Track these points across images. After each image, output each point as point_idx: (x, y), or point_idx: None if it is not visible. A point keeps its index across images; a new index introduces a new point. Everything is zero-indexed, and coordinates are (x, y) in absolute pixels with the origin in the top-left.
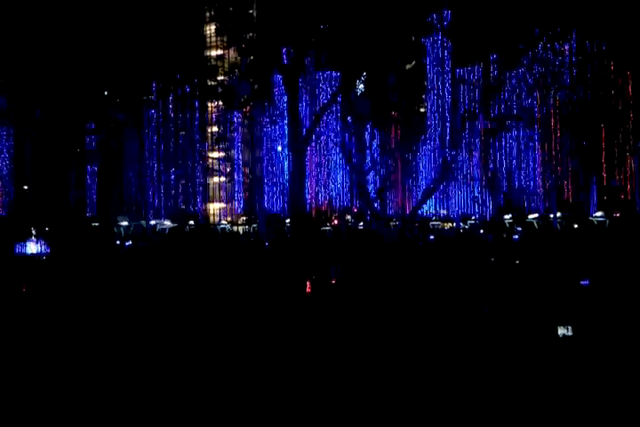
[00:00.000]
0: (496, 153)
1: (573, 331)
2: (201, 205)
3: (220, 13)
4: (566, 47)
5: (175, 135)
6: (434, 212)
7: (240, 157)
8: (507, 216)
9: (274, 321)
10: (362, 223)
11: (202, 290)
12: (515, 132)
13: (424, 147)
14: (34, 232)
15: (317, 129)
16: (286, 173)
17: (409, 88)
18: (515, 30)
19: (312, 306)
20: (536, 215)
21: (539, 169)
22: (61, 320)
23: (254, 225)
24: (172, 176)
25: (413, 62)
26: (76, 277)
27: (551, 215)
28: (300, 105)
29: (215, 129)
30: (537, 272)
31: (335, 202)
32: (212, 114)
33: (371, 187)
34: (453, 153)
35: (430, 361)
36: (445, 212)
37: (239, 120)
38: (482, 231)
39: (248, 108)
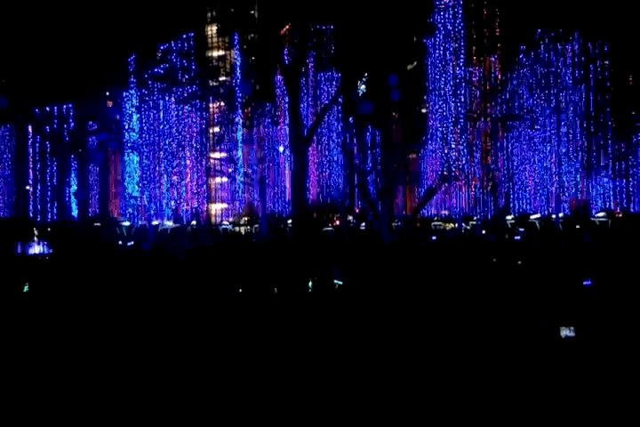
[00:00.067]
0: (498, 153)
1: (576, 332)
2: (203, 206)
3: (221, 14)
4: (568, 48)
5: (177, 135)
6: (435, 212)
7: (241, 157)
8: (509, 217)
9: (275, 321)
10: (364, 224)
11: (203, 290)
12: (516, 133)
13: (425, 147)
14: (36, 233)
15: (319, 129)
16: (288, 173)
17: (410, 88)
18: (516, 30)
19: (314, 306)
20: (538, 216)
21: (541, 169)
22: (62, 320)
23: (256, 225)
24: (174, 177)
25: (415, 63)
26: (78, 278)
27: (553, 216)
28: (302, 105)
29: (217, 129)
30: (539, 273)
31: (337, 202)
32: (213, 114)
33: (372, 187)
34: (455, 153)
35: (432, 361)
36: (447, 212)
37: (241, 121)
38: (484, 232)
39: (249, 108)
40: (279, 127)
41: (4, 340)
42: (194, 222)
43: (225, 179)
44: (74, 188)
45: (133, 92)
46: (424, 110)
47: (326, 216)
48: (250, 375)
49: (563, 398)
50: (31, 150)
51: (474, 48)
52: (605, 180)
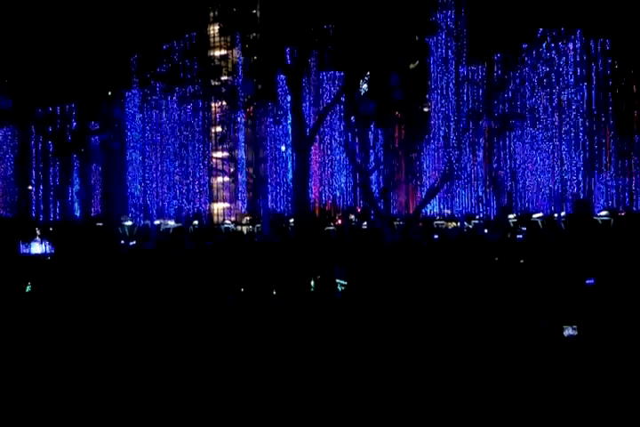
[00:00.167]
0: (500, 152)
1: (579, 330)
2: (205, 205)
3: (223, 14)
4: (570, 46)
5: (179, 135)
6: (438, 211)
7: (244, 156)
8: (511, 216)
9: (277, 321)
10: (366, 223)
11: (205, 289)
12: (519, 131)
13: (428, 146)
14: (38, 232)
15: (321, 129)
16: (290, 172)
17: (412, 88)
18: (518, 29)
19: (317, 306)
20: (540, 215)
21: (543, 168)
22: (63, 320)
23: (258, 225)
24: (176, 176)
25: (417, 62)
26: (80, 277)
27: (555, 215)
28: (304, 105)
29: (219, 129)
30: (542, 272)
31: (339, 202)
32: (215, 114)
33: (374, 187)
34: (457, 152)
35: (435, 360)
36: (449, 211)
37: (243, 120)
38: (486, 231)
39: (252, 108)
40: (281, 127)
41: (6, 339)
42: (196, 222)
43: (227, 178)
44: (76, 187)
45: (136, 91)
46: (426, 109)
47: (328, 215)
48: (251, 375)
49: (564, 397)
50: (34, 150)
51: (475, 47)
52: (608, 178)
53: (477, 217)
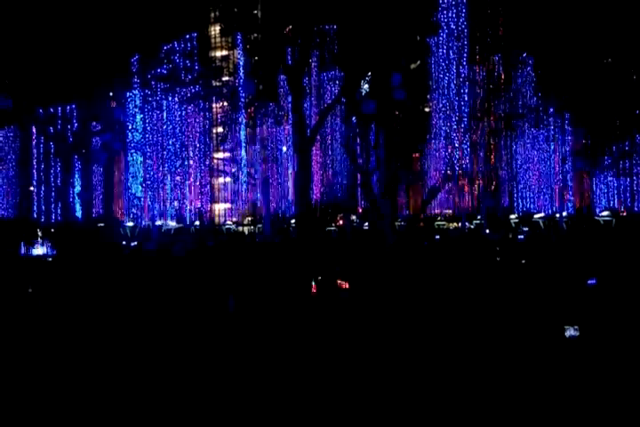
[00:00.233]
0: (501, 152)
1: (581, 331)
2: (206, 206)
3: (224, 14)
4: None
5: (180, 135)
6: (439, 211)
7: (245, 157)
8: (512, 216)
9: (278, 322)
10: (367, 223)
11: (206, 290)
12: (520, 131)
13: (429, 146)
14: (39, 233)
15: (322, 129)
16: (291, 173)
17: (414, 87)
18: (520, 28)
19: (318, 306)
20: (542, 215)
21: (545, 168)
22: (65, 322)
23: (259, 225)
24: (178, 177)
25: (418, 62)
26: (82, 278)
27: (557, 215)
28: (305, 105)
29: (220, 129)
30: (543, 272)
31: (340, 202)
32: (216, 114)
33: (375, 187)
34: (459, 152)
35: (437, 361)
36: (450, 211)
37: (244, 121)
38: (487, 231)
39: (253, 108)
40: (282, 127)
41: (8, 341)
42: (197, 222)
43: (228, 179)
44: (77, 188)
45: (137, 92)
46: (427, 109)
47: (329, 216)
48: (252, 377)
49: (565, 397)
50: (35, 151)
51: (477, 47)
52: (609, 178)
53: (479, 217)
